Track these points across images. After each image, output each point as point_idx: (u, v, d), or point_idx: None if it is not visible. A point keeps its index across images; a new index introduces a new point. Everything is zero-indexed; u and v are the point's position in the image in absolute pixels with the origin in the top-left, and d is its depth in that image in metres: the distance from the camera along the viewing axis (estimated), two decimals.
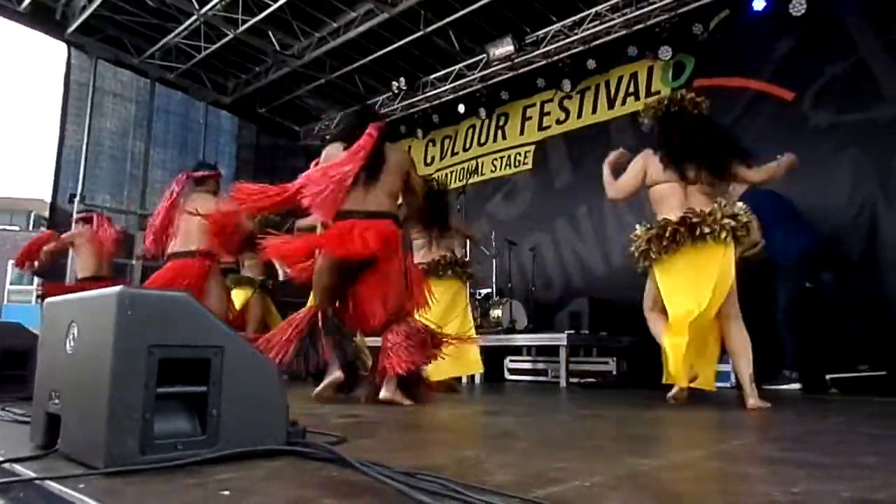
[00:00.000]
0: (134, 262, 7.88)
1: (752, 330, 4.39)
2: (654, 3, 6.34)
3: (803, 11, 5.44)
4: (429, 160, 8.93)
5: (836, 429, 2.34)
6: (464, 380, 5.79)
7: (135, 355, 1.35)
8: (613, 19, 6.63)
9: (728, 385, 4.64)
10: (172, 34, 7.54)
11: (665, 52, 6.32)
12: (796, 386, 4.34)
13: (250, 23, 7.12)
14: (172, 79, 8.44)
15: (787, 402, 3.56)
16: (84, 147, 7.73)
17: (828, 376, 4.30)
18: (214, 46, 7.68)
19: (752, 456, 1.65)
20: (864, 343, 4.34)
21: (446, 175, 8.57)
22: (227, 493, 1.16)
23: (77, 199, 7.40)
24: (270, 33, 7.56)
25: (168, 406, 1.43)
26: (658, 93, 6.71)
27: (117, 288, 1.39)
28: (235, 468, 1.37)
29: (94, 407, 1.35)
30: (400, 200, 3.53)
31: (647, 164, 3.44)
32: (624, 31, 6.70)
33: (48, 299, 1.74)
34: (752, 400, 3.07)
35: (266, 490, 1.20)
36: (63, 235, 5.96)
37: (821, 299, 4.57)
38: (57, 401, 1.52)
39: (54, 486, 1.19)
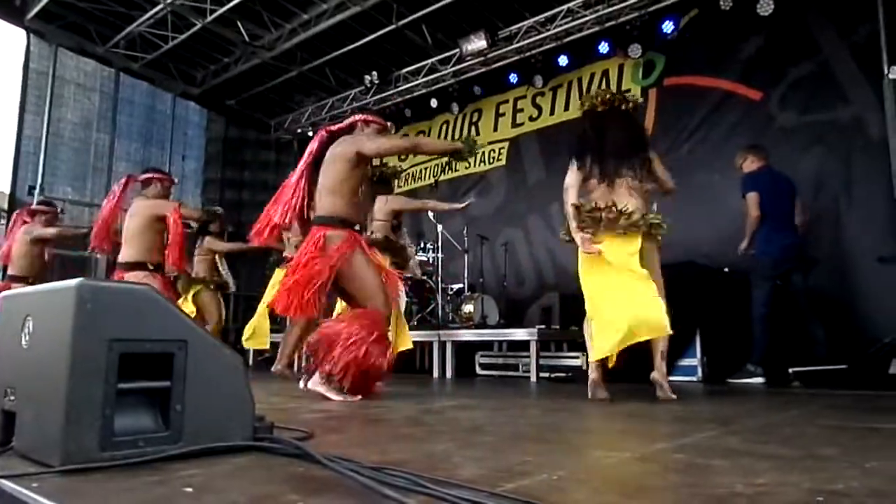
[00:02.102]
0: (98, 255, 7.70)
1: (723, 325, 4.48)
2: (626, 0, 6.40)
3: (770, 11, 5.54)
4: (402, 155, 8.90)
5: (797, 421, 2.39)
6: (435, 374, 5.80)
7: (94, 350, 1.31)
8: (585, 16, 6.68)
9: (694, 379, 4.73)
10: (138, 22, 7.37)
11: (635, 50, 6.40)
12: (760, 380, 4.44)
13: (219, 12, 6.99)
14: (138, 69, 8.25)
15: (750, 396, 3.64)
16: (44, 138, 7.51)
17: (790, 370, 4.40)
18: (182, 36, 7.52)
19: (715, 448, 1.68)
20: (825, 338, 4.45)
21: (421, 170, 8.56)
22: (189, 489, 1.14)
23: (37, 190, 7.20)
24: (240, 24, 7.44)
25: (130, 402, 1.40)
26: (629, 91, 6.79)
27: (76, 280, 1.35)
28: (199, 464, 1.34)
29: (51, 403, 1.31)
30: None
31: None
32: (596, 28, 6.75)
33: (3, 293, 1.68)
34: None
35: (230, 486, 1.18)
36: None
37: (786, 296, 4.68)
38: (12, 397, 1.47)
39: (7, 485, 1.14)
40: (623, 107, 3.58)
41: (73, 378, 1.28)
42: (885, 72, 4.88)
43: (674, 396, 3.14)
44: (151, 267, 4.40)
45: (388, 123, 3.56)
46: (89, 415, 1.29)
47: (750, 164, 4.82)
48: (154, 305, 1.44)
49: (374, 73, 7.98)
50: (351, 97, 8.83)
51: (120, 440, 1.33)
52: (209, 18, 7.08)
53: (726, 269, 5.02)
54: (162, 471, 1.28)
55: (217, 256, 6.22)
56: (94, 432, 1.29)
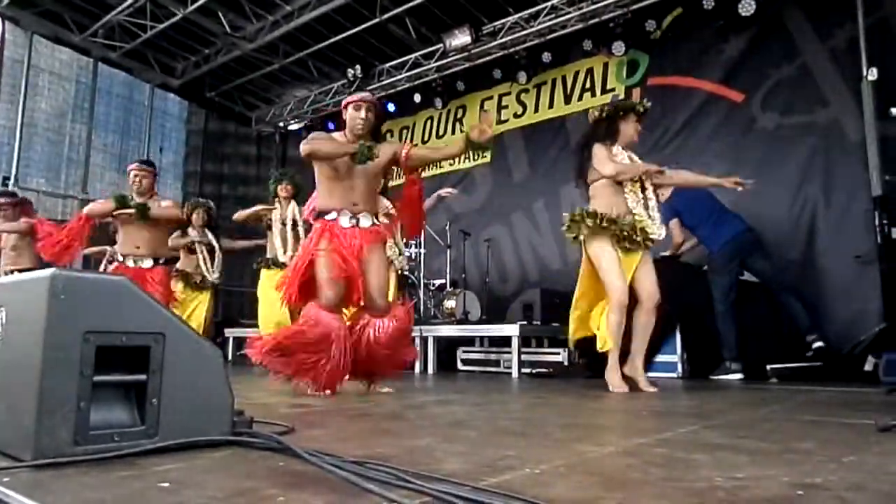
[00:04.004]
0: None
1: (702, 321, 4.55)
2: None
3: (752, 11, 5.59)
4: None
5: (775, 416, 2.42)
6: (417, 370, 5.79)
7: (68, 341, 1.28)
8: (569, 13, 6.69)
9: (674, 375, 4.77)
10: (116, 11, 7.22)
11: (619, 48, 6.42)
12: (738, 376, 4.49)
13: (199, 2, 6.89)
14: (116, 58, 8.09)
15: (729, 392, 3.68)
16: (18, 128, 7.35)
17: (768, 367, 4.46)
18: (162, 26, 7.39)
19: (695, 443, 1.69)
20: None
21: None
22: (166, 485, 1.11)
23: (11, 181, 7.06)
24: (220, 14, 7.33)
25: (105, 395, 1.37)
26: (613, 90, 6.81)
27: (49, 271, 1.32)
28: (176, 459, 1.32)
29: (24, 396, 1.28)
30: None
31: None
32: (580, 26, 6.77)
33: None
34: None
35: (207, 482, 1.16)
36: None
37: (760, 291, 4.74)
38: None
39: None
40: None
41: (46, 370, 1.25)
42: (864, 73, 4.96)
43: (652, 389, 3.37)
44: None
45: (359, 98, 3.39)
46: (63, 408, 1.26)
47: (662, 195, 4.96)
48: (131, 297, 1.41)
49: (357, 66, 7.92)
50: (333, 91, 8.76)
51: (95, 434, 1.31)
52: (190, 8, 6.97)
53: (705, 268, 5.07)
54: (138, 466, 1.26)
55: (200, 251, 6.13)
56: (67, 426, 1.26)
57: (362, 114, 3.29)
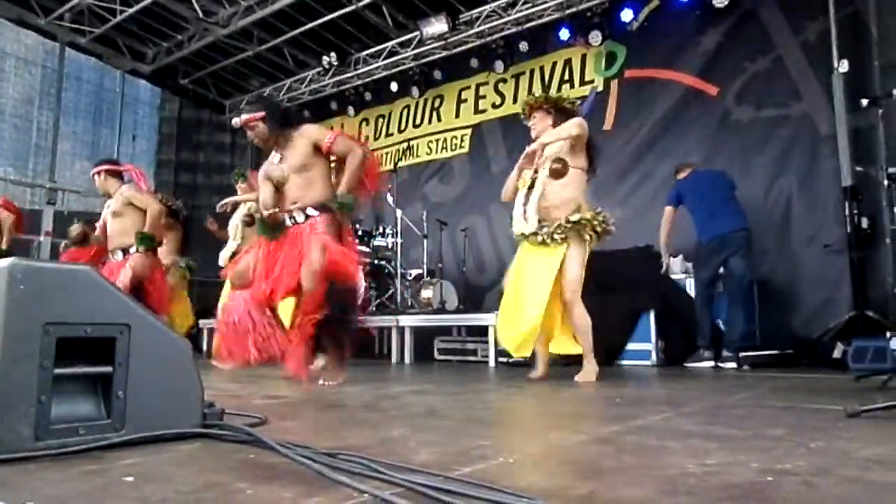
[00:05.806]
0: (42, 238, 7.42)
1: (677, 310, 4.56)
2: None
3: (725, 3, 5.63)
4: (362, 140, 8.77)
5: (746, 403, 2.45)
6: (394, 359, 5.77)
7: (28, 333, 1.24)
8: (546, 1, 6.67)
9: (648, 363, 4.82)
10: None
11: (595, 38, 6.41)
12: (710, 363, 4.56)
13: None
14: (85, 44, 7.87)
15: (701, 379, 3.73)
16: None
17: (739, 354, 4.53)
18: (131, 10, 7.21)
19: (668, 430, 1.70)
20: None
21: (381, 156, 8.44)
22: (130, 479, 1.09)
23: None
24: None
25: (69, 388, 1.33)
26: (591, 81, 6.81)
27: (8, 260, 1.27)
28: (143, 453, 1.29)
29: None
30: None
31: None
32: (556, 15, 6.75)
33: None
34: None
35: (175, 475, 1.14)
36: None
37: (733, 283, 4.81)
38: None
39: None
40: None
41: (4, 363, 1.21)
42: (835, 65, 5.02)
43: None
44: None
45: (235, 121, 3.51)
46: (23, 402, 1.23)
47: (681, 174, 5.02)
48: (94, 287, 1.37)
49: (333, 54, 7.81)
50: (309, 79, 8.65)
51: (57, 428, 1.27)
52: None
53: (681, 255, 5.13)
54: (102, 459, 1.23)
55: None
56: (28, 420, 1.23)
57: (249, 136, 3.52)
